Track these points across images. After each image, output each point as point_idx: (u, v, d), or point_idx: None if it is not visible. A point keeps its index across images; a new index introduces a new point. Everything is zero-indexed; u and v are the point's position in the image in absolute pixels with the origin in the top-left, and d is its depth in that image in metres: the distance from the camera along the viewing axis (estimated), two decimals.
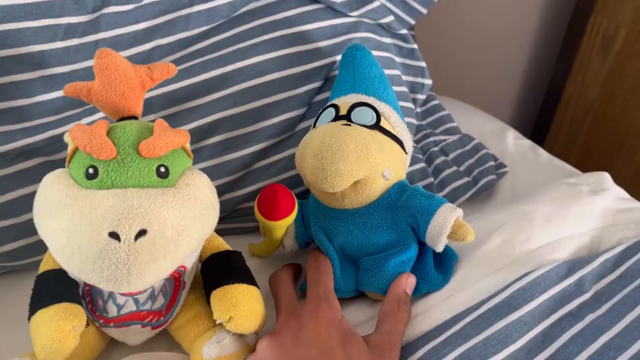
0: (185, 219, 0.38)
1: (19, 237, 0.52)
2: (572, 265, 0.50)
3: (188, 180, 0.40)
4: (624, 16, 0.99)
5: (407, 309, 0.46)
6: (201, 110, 0.56)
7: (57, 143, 0.52)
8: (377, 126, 0.49)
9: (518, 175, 0.70)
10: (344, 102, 0.51)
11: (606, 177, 0.63)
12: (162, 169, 0.39)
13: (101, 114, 0.53)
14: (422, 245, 0.50)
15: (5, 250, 0.52)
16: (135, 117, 0.43)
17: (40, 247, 0.52)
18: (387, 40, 0.69)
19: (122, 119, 0.42)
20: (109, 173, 0.37)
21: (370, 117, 0.49)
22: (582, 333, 0.44)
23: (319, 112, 0.53)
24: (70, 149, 0.40)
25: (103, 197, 0.36)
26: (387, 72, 0.66)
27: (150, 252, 0.36)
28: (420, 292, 0.48)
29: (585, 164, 1.12)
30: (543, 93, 1.22)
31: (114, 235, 0.35)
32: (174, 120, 0.55)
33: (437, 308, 0.47)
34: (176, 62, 0.58)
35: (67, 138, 0.41)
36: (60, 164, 0.52)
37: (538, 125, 1.25)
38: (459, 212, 0.47)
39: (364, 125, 0.48)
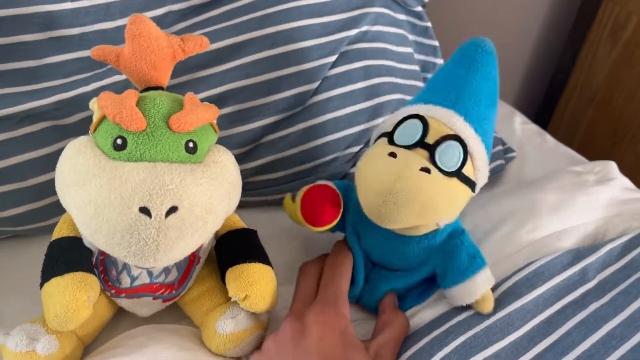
0: (213, 197, 0.38)
1: (23, 202, 0.51)
2: (577, 254, 0.50)
3: (215, 157, 0.39)
4: (635, 4, 0.98)
5: (406, 318, 0.46)
6: (212, 80, 0.55)
7: (65, 107, 0.50)
8: (458, 173, 0.43)
9: (525, 160, 0.70)
10: (437, 121, 0.43)
11: (612, 166, 0.63)
12: (191, 144, 0.38)
13: (110, 80, 0.52)
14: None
15: (8, 215, 0.51)
16: (162, 88, 0.42)
17: (44, 213, 0.52)
18: (402, 17, 0.68)
19: (148, 88, 0.41)
20: (138, 145, 0.36)
21: (455, 161, 0.42)
22: (585, 321, 0.44)
23: (401, 116, 0.45)
24: (96, 117, 0.39)
25: (133, 170, 0.35)
26: (399, 49, 0.66)
27: (180, 230, 0.35)
28: (405, 307, 0.48)
29: (587, 151, 1.11)
30: (549, 77, 1.21)
31: (145, 211, 0.34)
32: (183, 90, 0.54)
33: (441, 298, 0.48)
34: (187, 29, 0.56)
35: (93, 105, 0.40)
36: (68, 129, 0.51)
37: (542, 109, 1.25)
38: (490, 284, 0.45)
39: (445, 172, 0.42)
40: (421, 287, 0.49)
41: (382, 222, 0.42)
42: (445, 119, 0.43)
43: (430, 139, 0.42)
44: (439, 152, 0.42)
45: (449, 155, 0.42)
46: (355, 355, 0.40)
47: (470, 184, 0.44)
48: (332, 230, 0.50)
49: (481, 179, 0.45)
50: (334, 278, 0.46)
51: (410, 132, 0.43)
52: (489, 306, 0.45)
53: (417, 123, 0.43)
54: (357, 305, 0.50)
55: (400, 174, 0.41)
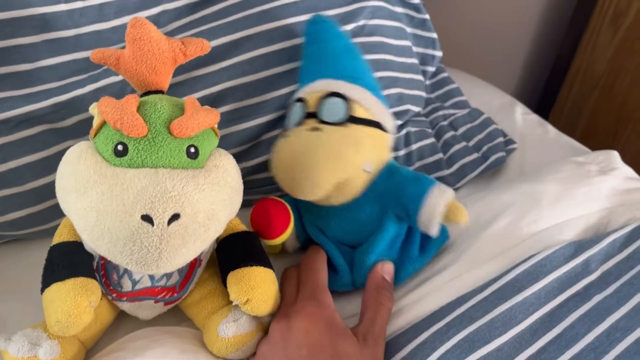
0: (215, 202, 0.37)
1: (23, 206, 0.51)
2: (579, 245, 0.50)
3: (216, 161, 0.39)
4: None
5: (387, 295, 0.46)
6: (209, 78, 0.55)
7: (62, 110, 0.50)
8: (350, 119, 0.46)
9: (526, 151, 0.69)
10: (312, 93, 0.49)
11: (615, 155, 0.62)
12: (192, 150, 0.38)
13: (106, 81, 0.52)
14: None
15: (8, 219, 0.51)
16: (162, 92, 0.41)
17: (44, 217, 0.52)
18: (399, 9, 0.67)
19: (148, 92, 0.41)
20: (139, 152, 0.36)
21: (341, 111, 0.46)
22: (588, 314, 0.44)
23: (288, 107, 0.50)
24: (96, 122, 0.39)
25: (134, 177, 0.35)
26: (398, 43, 0.65)
27: (182, 237, 0.35)
28: (407, 272, 0.48)
29: (590, 140, 1.11)
30: (550, 65, 1.20)
31: (147, 219, 0.34)
32: (180, 89, 0.54)
33: (442, 289, 0.48)
34: (183, 27, 0.56)
35: (93, 111, 0.39)
36: (65, 131, 0.51)
37: (544, 98, 1.23)
38: (449, 194, 0.45)
39: (336, 123, 0.46)
40: (414, 247, 0.49)
41: (304, 189, 0.44)
42: (318, 87, 0.49)
43: (310, 108, 0.48)
44: (322, 112, 0.47)
45: (332, 109, 0.47)
46: (344, 342, 0.41)
47: (373, 123, 0.48)
48: (302, 242, 0.52)
49: (381, 115, 0.49)
50: (309, 274, 0.46)
51: (297, 113, 0.49)
52: (461, 216, 0.44)
53: (299, 104, 0.49)
54: (357, 294, 0.49)
55: (292, 143, 0.45)
